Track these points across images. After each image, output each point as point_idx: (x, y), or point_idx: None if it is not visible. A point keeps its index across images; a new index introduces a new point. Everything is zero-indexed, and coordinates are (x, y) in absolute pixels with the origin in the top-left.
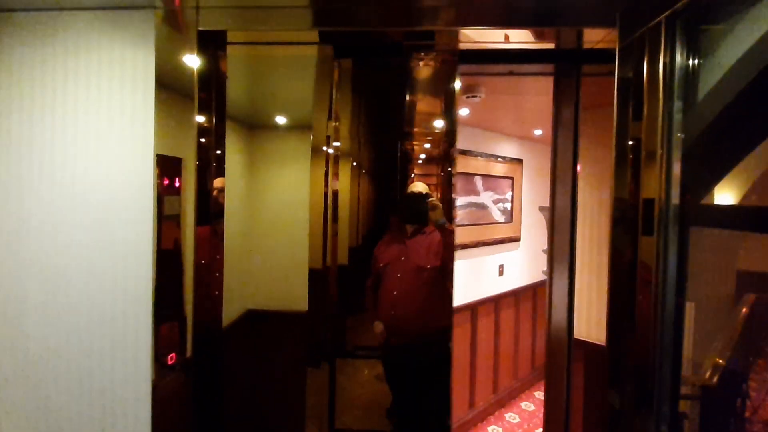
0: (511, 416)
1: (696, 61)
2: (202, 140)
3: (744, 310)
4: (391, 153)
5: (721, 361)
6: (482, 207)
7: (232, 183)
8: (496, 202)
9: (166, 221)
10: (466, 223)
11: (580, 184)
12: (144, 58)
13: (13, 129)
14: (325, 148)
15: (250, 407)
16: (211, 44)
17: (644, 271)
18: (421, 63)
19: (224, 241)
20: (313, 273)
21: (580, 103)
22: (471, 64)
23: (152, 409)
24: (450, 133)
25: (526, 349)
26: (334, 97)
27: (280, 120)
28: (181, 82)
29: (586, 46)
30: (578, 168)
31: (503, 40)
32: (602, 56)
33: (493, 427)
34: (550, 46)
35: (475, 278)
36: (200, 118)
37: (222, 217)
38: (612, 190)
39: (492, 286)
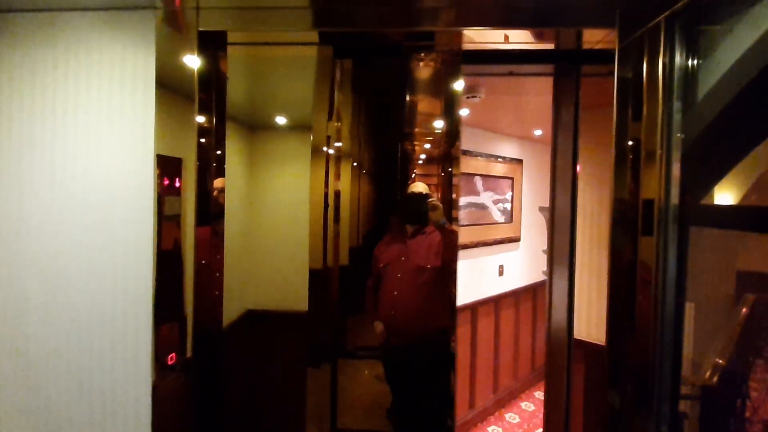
0: (511, 416)
1: (695, 62)
2: (203, 140)
3: (744, 310)
4: (392, 153)
5: (721, 361)
6: (482, 207)
7: (232, 183)
8: (496, 202)
9: (166, 221)
10: (466, 224)
11: (580, 184)
12: (144, 58)
13: (13, 129)
14: (325, 149)
15: (250, 407)
16: (212, 45)
17: (644, 271)
18: (421, 63)
19: (224, 241)
20: (313, 273)
21: (580, 104)
22: (471, 64)
23: (152, 409)
24: (450, 134)
25: (526, 350)
26: (334, 97)
27: (280, 120)
28: (182, 82)
29: (585, 46)
30: (578, 168)
31: (503, 40)
32: (602, 57)
33: (493, 427)
34: (550, 46)
35: (475, 278)
36: (200, 119)
37: (222, 218)
38: (612, 191)
39: (492, 286)
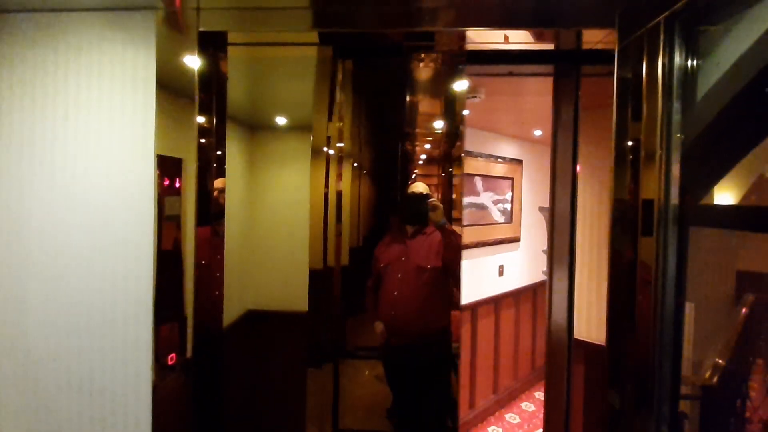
0: (511, 417)
1: (695, 62)
2: (203, 141)
3: (744, 310)
4: (392, 153)
5: (721, 361)
6: (482, 207)
7: (232, 183)
8: (495, 202)
9: (166, 222)
10: (466, 224)
11: (580, 184)
12: (145, 58)
13: (14, 129)
14: (325, 149)
15: (250, 408)
16: (212, 45)
17: (644, 271)
18: (421, 64)
19: (224, 241)
20: (313, 273)
21: (580, 104)
22: (471, 64)
23: (152, 409)
24: (451, 134)
25: (526, 350)
26: (334, 97)
27: (281, 120)
28: (182, 82)
29: (585, 46)
30: (578, 168)
31: (503, 40)
32: (601, 57)
33: (493, 427)
34: (550, 46)
35: (475, 279)
36: (201, 119)
37: (222, 218)
38: (612, 191)
39: (492, 286)
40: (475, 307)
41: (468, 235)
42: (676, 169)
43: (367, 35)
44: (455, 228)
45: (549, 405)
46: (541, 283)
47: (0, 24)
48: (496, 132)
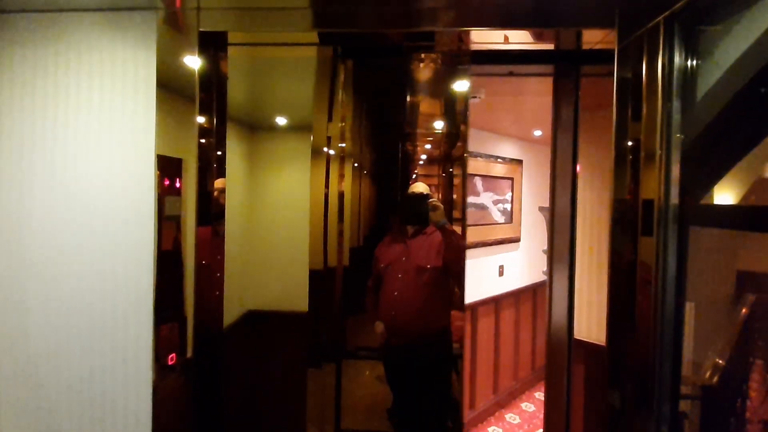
0: (511, 417)
1: (694, 62)
2: (203, 141)
3: (744, 310)
4: (392, 154)
5: (721, 361)
6: (482, 207)
7: (232, 184)
8: (495, 202)
9: (166, 222)
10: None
11: (580, 184)
12: (145, 59)
13: (14, 129)
14: (325, 149)
15: (250, 408)
16: (212, 45)
17: (644, 271)
18: (421, 64)
19: (225, 241)
20: (313, 273)
21: (580, 104)
22: (471, 65)
23: (152, 409)
24: (451, 134)
25: (527, 350)
26: (336, 98)
27: (281, 121)
28: (182, 83)
29: (585, 47)
30: (578, 168)
31: (503, 41)
32: (601, 57)
33: (493, 427)
34: (550, 47)
35: (475, 279)
36: (201, 119)
37: (223, 218)
38: (612, 191)
39: (492, 286)
40: (475, 307)
41: (468, 235)
42: (676, 169)
43: (368, 35)
44: (458, 228)
45: (549, 405)
46: (541, 283)
47: (0, 24)
48: (496, 132)
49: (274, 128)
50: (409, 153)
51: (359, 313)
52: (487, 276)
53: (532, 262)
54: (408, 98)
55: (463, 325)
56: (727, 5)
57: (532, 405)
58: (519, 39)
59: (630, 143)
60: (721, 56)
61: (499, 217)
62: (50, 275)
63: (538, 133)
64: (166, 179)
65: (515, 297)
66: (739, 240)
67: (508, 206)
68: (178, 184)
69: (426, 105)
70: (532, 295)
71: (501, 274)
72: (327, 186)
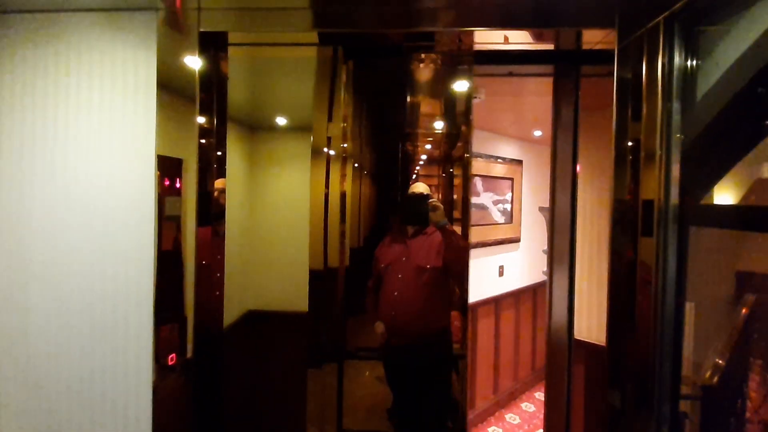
0: (511, 417)
1: (694, 62)
2: (203, 141)
3: (744, 310)
4: (393, 154)
5: (721, 361)
6: (482, 208)
7: (232, 184)
8: (495, 203)
9: (167, 222)
10: None
11: (580, 184)
12: (145, 59)
13: (14, 130)
14: (325, 149)
15: (250, 408)
16: (212, 45)
17: (644, 271)
18: (421, 64)
19: (225, 242)
20: (313, 274)
21: (580, 104)
22: (471, 65)
23: (152, 409)
24: (452, 135)
25: (527, 350)
26: (336, 98)
27: (281, 121)
28: (183, 83)
29: (585, 47)
30: (578, 168)
31: (502, 41)
32: (601, 57)
33: (493, 428)
34: (550, 47)
35: (475, 279)
36: (201, 119)
37: (223, 218)
38: (612, 191)
39: (492, 286)
40: (475, 307)
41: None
42: (676, 169)
43: (368, 35)
44: (460, 229)
45: (549, 405)
46: (541, 283)
47: (0, 24)
48: (496, 132)
49: (274, 128)
50: (410, 153)
51: (359, 313)
52: (487, 276)
53: (532, 263)
54: (408, 98)
55: (466, 326)
56: (726, 5)
57: (532, 405)
58: (519, 39)
59: (630, 143)
60: (720, 56)
61: (499, 218)
62: (50, 275)
63: (538, 133)
64: (166, 179)
65: (515, 297)
66: (739, 240)
67: (508, 206)
68: (178, 185)
69: (426, 105)
70: (532, 295)
71: (501, 274)
72: (327, 186)
